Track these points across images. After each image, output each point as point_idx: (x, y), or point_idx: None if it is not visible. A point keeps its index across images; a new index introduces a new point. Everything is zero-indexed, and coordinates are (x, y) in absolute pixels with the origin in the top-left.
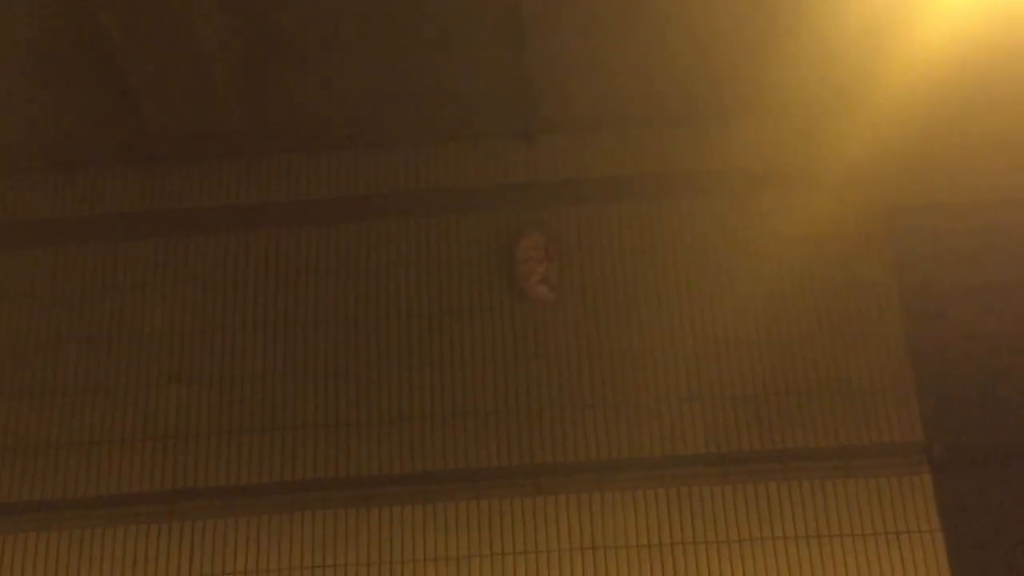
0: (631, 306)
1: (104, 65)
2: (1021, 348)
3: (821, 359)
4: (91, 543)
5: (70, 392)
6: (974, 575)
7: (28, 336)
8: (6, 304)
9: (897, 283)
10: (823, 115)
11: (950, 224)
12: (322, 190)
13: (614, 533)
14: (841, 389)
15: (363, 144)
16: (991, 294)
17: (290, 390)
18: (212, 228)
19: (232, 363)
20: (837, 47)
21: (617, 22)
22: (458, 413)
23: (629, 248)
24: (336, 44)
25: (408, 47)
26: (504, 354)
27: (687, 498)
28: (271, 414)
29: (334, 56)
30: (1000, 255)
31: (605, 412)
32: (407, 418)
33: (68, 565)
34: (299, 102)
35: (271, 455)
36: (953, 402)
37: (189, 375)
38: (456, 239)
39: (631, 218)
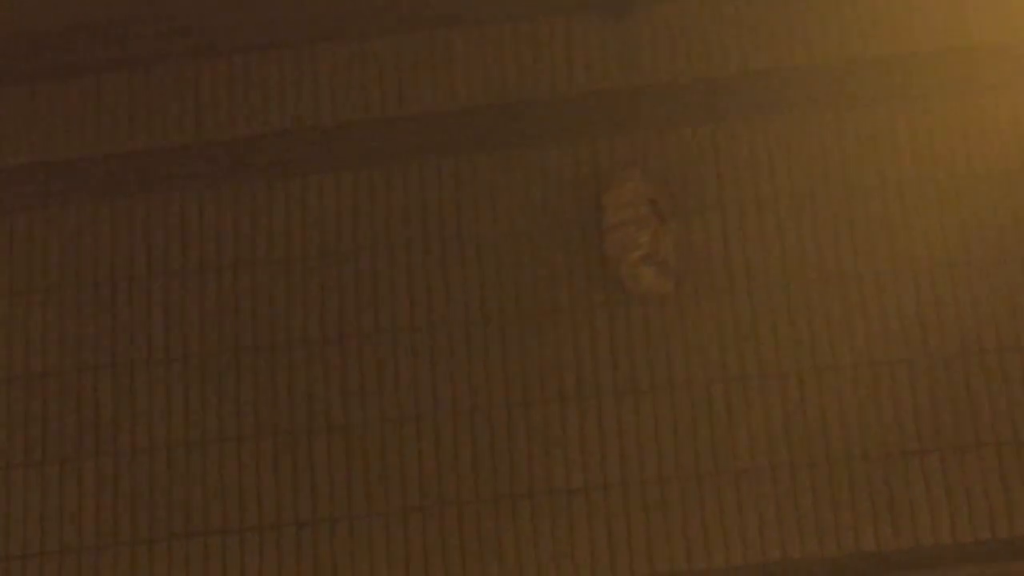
0: (813, 298)
1: None
2: None
3: None
4: None
5: None
6: None
7: None
8: None
9: None
10: None
11: None
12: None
13: None
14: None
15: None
16: None
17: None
18: None
19: None
20: None
21: None
22: (485, 500)
23: (803, 191)
24: None
25: None
26: (587, 391)
27: None
28: None
29: None
30: None
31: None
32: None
33: None
34: None
35: None
36: None
37: None
38: (498, 192)
39: (799, 139)
